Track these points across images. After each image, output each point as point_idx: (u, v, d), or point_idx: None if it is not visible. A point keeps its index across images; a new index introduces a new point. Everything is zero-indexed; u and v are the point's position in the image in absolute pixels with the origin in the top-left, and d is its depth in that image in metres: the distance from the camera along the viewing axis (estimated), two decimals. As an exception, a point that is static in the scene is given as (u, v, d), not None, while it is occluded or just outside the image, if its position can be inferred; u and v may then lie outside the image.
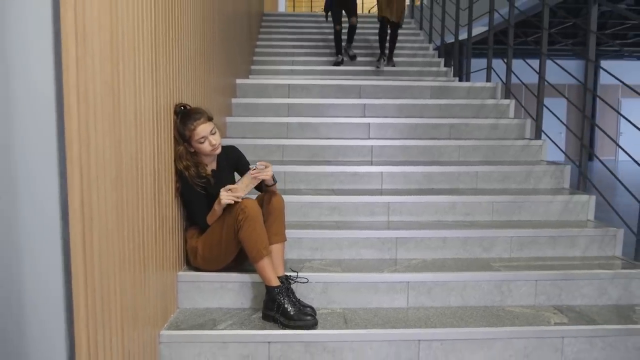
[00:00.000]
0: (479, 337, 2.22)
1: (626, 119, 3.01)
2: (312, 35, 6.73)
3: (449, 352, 2.21)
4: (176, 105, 2.30)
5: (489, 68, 4.73)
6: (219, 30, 3.35)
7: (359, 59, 5.96)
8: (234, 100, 4.12)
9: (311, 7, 16.48)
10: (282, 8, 11.20)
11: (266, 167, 2.32)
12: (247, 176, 2.29)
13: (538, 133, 3.87)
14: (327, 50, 6.17)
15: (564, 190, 3.33)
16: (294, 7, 15.77)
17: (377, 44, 6.00)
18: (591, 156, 14.32)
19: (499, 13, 4.71)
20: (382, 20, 5.70)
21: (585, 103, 3.30)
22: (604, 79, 18.21)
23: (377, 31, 6.01)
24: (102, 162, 1.51)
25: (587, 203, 3.12)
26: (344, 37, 6.03)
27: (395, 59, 5.86)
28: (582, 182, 3.28)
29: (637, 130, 2.80)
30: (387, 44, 5.76)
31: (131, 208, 1.76)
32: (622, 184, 2.92)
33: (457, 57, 5.75)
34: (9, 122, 1.25)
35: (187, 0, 2.50)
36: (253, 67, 5.38)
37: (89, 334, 1.44)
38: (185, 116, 2.29)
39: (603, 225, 2.94)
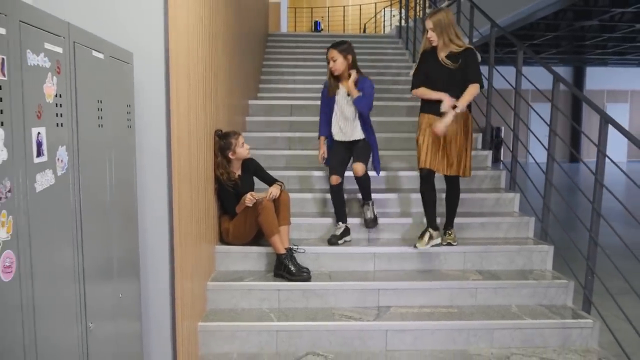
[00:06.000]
0: (419, 287, 3.31)
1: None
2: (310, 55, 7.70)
3: (400, 297, 3.29)
4: (215, 130, 3.38)
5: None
6: (238, 58, 4.41)
7: None
8: (247, 118, 5.19)
9: (312, 18, 17.59)
10: (284, 28, 12.25)
11: (271, 194, 3.35)
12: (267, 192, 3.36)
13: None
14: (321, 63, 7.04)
15: (501, 190, 4.39)
16: (295, 26, 16.84)
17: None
18: (577, 158, 15.31)
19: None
20: (428, 175, 3.42)
21: (516, 125, 4.35)
22: (589, 84, 19.29)
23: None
24: (184, 173, 2.59)
25: (513, 199, 4.19)
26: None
27: (379, 77, 6.15)
28: (512, 183, 4.34)
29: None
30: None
31: (195, 201, 2.84)
32: (533, 183, 3.99)
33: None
34: (141, 156, 2.33)
35: (224, 59, 3.57)
36: (261, 85, 6.44)
37: (180, 280, 2.52)
38: (224, 136, 3.38)
39: (521, 215, 4.01)
